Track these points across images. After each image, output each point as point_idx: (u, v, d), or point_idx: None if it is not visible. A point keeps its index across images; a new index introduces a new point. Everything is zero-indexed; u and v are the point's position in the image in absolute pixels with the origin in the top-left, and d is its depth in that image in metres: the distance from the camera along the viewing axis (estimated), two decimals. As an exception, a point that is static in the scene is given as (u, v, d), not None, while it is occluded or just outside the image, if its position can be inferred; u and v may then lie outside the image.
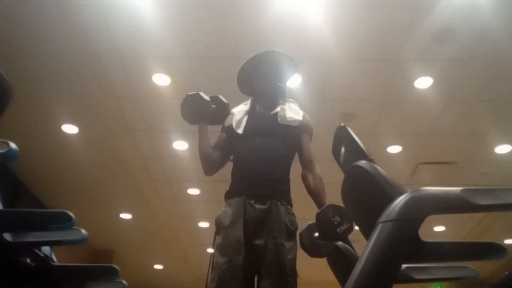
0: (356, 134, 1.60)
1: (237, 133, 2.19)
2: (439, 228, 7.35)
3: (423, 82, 4.41)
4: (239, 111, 2.28)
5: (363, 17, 3.75)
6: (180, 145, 5.49)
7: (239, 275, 1.86)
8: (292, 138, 2.20)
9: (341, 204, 1.82)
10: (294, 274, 1.93)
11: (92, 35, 3.93)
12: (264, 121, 2.20)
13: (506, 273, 1.28)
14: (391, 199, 1.26)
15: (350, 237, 1.93)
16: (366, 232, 1.33)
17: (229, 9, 3.71)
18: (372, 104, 4.75)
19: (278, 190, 2.07)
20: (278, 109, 2.23)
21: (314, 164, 2.18)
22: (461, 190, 1.22)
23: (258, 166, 2.07)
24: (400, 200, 1.23)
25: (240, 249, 1.90)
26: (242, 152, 2.17)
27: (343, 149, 1.70)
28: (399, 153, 5.53)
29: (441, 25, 3.77)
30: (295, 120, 2.19)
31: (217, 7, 3.70)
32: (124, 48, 4.07)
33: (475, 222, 7.05)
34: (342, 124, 1.70)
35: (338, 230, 1.78)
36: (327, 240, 1.86)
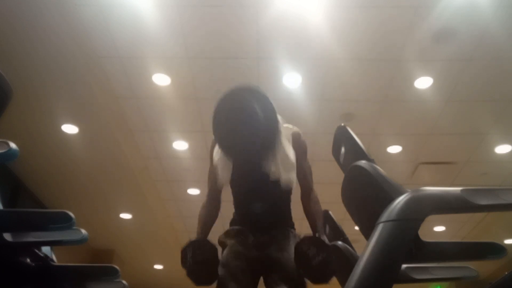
0: (356, 134, 1.60)
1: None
2: (439, 228, 7.35)
3: (423, 82, 4.41)
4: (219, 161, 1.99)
5: (363, 17, 3.75)
6: (180, 145, 5.49)
7: (238, 275, 1.83)
8: (288, 179, 1.96)
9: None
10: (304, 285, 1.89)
11: (92, 35, 3.93)
12: (254, 181, 1.98)
13: (506, 273, 1.28)
14: (391, 199, 1.26)
15: (350, 237, 1.93)
16: (366, 232, 1.33)
17: (229, 9, 3.71)
18: (372, 104, 4.75)
19: (281, 222, 2.04)
20: (271, 167, 1.91)
21: (313, 188, 2.05)
22: (461, 190, 1.22)
23: (257, 212, 2.01)
24: (400, 200, 1.23)
25: (239, 256, 1.88)
26: (237, 194, 2.09)
27: (343, 149, 1.70)
28: (399, 153, 5.53)
29: (441, 25, 3.77)
30: (289, 182, 1.95)
31: (217, 7, 3.69)
32: (124, 48, 4.07)
33: (475, 222, 7.05)
34: (342, 124, 1.70)
35: (313, 262, 1.77)
36: (305, 271, 1.85)
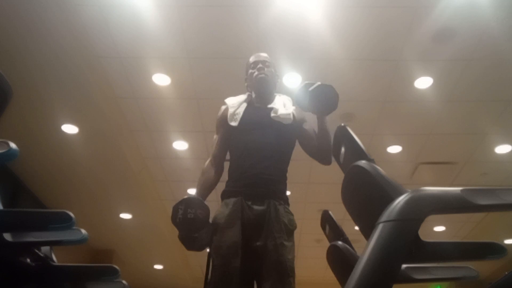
0: (356, 134, 1.60)
1: (232, 126, 2.15)
2: (439, 228, 7.35)
3: (423, 82, 4.41)
4: (233, 104, 2.23)
5: (363, 17, 3.75)
6: (180, 145, 5.49)
7: (237, 278, 1.83)
8: (290, 134, 2.16)
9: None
10: (293, 274, 1.90)
11: (92, 35, 3.93)
12: (260, 116, 2.16)
13: (506, 273, 1.28)
14: (391, 199, 1.26)
15: (350, 237, 1.93)
16: (366, 232, 1.33)
17: (229, 9, 3.71)
18: (372, 104, 4.75)
19: (275, 190, 2.03)
20: (272, 104, 2.21)
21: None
22: (461, 190, 1.22)
23: (254, 166, 2.03)
24: (400, 200, 1.23)
25: (236, 251, 1.87)
26: (238, 148, 2.13)
27: (343, 149, 1.70)
28: (399, 153, 5.53)
29: (441, 25, 3.77)
30: (287, 119, 2.14)
31: (217, 7, 3.70)
32: (124, 48, 4.07)
33: (475, 222, 7.05)
34: (342, 124, 1.69)
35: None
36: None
